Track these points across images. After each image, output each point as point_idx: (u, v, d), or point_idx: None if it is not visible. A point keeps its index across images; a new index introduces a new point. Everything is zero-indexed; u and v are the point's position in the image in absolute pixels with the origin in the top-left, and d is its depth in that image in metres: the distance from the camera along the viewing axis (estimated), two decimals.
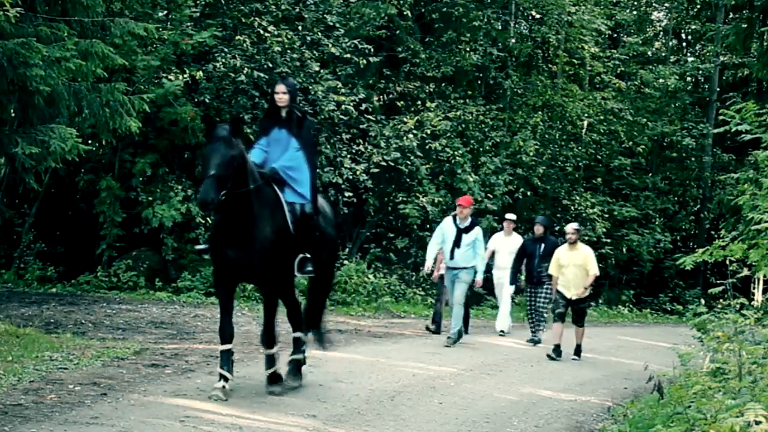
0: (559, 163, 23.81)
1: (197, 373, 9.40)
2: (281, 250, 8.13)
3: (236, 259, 7.94)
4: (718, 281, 18.79)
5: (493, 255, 15.28)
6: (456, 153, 20.81)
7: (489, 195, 21.05)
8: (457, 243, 12.95)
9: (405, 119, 20.71)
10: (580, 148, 24.14)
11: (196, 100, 17.79)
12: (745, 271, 9.90)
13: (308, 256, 8.39)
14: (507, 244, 15.27)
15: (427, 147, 20.73)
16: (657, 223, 25.15)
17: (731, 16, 25.20)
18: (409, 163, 20.27)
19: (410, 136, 20.26)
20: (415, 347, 12.90)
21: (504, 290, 15.18)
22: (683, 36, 29.58)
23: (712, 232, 25.40)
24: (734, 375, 7.15)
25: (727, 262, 10.46)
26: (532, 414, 8.88)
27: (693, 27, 28.26)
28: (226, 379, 8.07)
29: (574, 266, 12.77)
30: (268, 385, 8.44)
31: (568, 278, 12.81)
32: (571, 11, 23.20)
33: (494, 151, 21.96)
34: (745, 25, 18.57)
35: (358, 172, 19.30)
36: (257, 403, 8.09)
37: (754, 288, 23.67)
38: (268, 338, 8.51)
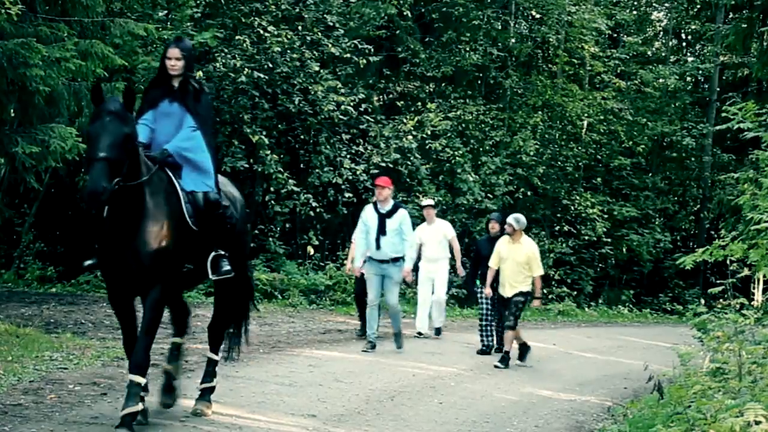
0: (559, 163, 23.80)
1: (197, 373, 9.37)
2: (179, 249, 6.65)
3: (127, 263, 6.44)
4: (718, 281, 18.78)
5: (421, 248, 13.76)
6: (456, 153, 20.81)
7: (489, 195, 21.04)
8: (381, 230, 11.52)
9: (405, 119, 20.72)
10: (580, 148, 24.13)
11: None
12: (745, 271, 9.89)
13: (222, 253, 7.04)
14: (433, 233, 13.83)
15: (427, 147, 20.73)
16: (657, 223, 25.14)
17: (731, 16, 25.18)
18: (409, 163, 20.27)
19: (410, 137, 20.26)
20: (415, 347, 12.89)
21: (437, 288, 13.84)
22: (683, 36, 29.57)
23: (712, 232, 25.38)
24: (734, 375, 7.15)
25: (727, 262, 10.45)
26: (532, 414, 8.88)
27: (693, 27, 28.25)
28: (142, 399, 6.62)
29: (513, 262, 11.56)
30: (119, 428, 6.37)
31: (504, 274, 11.63)
32: (571, 11, 23.21)
33: (494, 151, 21.96)
34: (745, 25, 18.56)
35: (357, 173, 19.29)
36: (257, 403, 8.09)
37: (754, 288, 23.65)
38: (143, 362, 6.55)
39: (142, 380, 6.52)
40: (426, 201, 14.40)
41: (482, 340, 12.70)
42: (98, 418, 7.03)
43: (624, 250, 24.23)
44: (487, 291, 12.14)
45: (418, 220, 20.49)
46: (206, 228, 6.87)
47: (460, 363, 11.64)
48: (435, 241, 13.71)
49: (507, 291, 11.60)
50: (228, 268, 7.03)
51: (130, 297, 6.76)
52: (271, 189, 18.56)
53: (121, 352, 10.13)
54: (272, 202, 18.60)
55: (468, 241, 21.40)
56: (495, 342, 12.65)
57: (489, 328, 12.67)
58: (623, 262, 24.45)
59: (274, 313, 15.69)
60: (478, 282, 12.82)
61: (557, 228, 23.56)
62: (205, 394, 7.50)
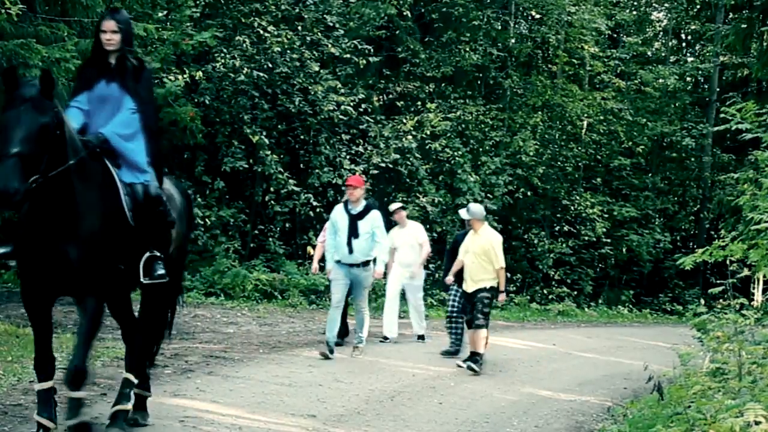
0: (559, 163, 23.81)
1: (197, 373, 9.40)
2: (115, 248, 5.91)
3: (51, 262, 5.67)
4: (718, 281, 18.77)
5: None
6: (456, 153, 20.81)
7: (489, 195, 21.04)
8: (353, 232, 10.86)
9: (405, 120, 20.72)
10: (580, 148, 24.14)
11: (196, 100, 17.80)
12: (745, 271, 9.90)
13: (158, 255, 6.24)
14: (406, 237, 13.23)
15: (427, 147, 20.74)
16: (657, 223, 25.15)
17: (731, 16, 25.19)
18: (408, 164, 20.27)
19: (409, 137, 20.26)
20: (415, 347, 12.90)
21: (412, 294, 13.51)
22: (683, 36, 29.57)
23: (712, 232, 25.39)
24: (734, 375, 7.15)
25: (727, 262, 10.47)
26: (532, 414, 8.88)
27: (693, 27, 28.25)
28: (46, 429, 6.01)
29: (473, 254, 10.92)
30: None
31: (466, 268, 11.03)
32: (571, 11, 23.20)
33: (494, 151, 21.96)
34: (745, 25, 18.56)
35: (357, 173, 19.29)
36: (257, 403, 8.10)
37: (754, 288, 23.65)
38: (79, 373, 6.06)
39: (82, 394, 6.00)
40: (395, 205, 13.74)
41: (451, 341, 12.11)
42: (98, 418, 7.03)
43: (624, 250, 24.24)
44: (448, 279, 11.56)
45: (418, 221, 20.64)
46: (144, 225, 6.10)
47: None
48: (408, 245, 13.14)
49: (469, 286, 10.97)
50: (162, 272, 6.21)
51: (49, 301, 6.07)
52: (271, 189, 18.56)
53: (121, 352, 10.15)
54: (272, 202, 18.60)
55: None
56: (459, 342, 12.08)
57: (458, 327, 12.00)
58: (623, 263, 24.46)
59: (274, 313, 15.69)
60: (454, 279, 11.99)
61: (557, 228, 23.57)
62: (117, 420, 6.53)
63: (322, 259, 11.99)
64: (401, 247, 13.16)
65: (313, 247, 19.35)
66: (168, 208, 6.33)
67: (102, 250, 5.79)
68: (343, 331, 12.22)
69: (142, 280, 6.23)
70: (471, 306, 10.96)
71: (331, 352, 10.77)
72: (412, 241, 13.12)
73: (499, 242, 11.02)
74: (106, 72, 6.22)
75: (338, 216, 11.06)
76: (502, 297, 11.31)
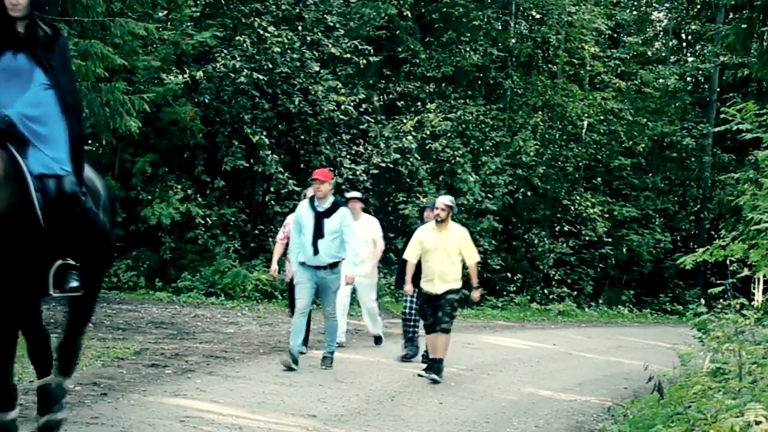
0: (559, 163, 23.81)
1: (197, 373, 9.40)
2: (21, 252, 5.00)
3: None
4: (718, 281, 18.78)
5: None
6: (456, 153, 20.81)
7: (489, 195, 21.04)
8: (318, 232, 9.84)
9: (405, 120, 20.72)
10: (580, 148, 24.14)
11: (196, 100, 17.81)
12: (746, 271, 9.91)
13: (72, 263, 5.26)
14: (358, 231, 11.32)
15: (428, 147, 20.74)
16: (657, 223, 25.14)
17: (731, 16, 25.18)
18: (408, 164, 20.27)
19: (409, 137, 20.26)
20: None
21: (365, 295, 12.20)
22: (683, 36, 29.56)
23: (712, 232, 25.37)
24: (734, 375, 7.15)
25: (727, 262, 10.47)
26: (532, 414, 8.88)
27: (693, 27, 28.24)
28: None
29: (443, 252, 10.00)
30: None
31: (432, 267, 9.98)
32: (571, 11, 23.20)
33: (494, 152, 21.96)
34: (745, 25, 18.55)
35: (357, 173, 19.30)
36: (257, 403, 8.10)
37: (754, 288, 23.64)
38: (4, 396, 5.41)
39: (57, 379, 5.46)
40: (352, 193, 12.38)
41: (406, 345, 11.35)
42: (98, 418, 7.03)
43: (624, 250, 24.23)
44: (408, 288, 10.38)
45: (417, 221, 20.62)
46: (54, 226, 5.12)
47: (460, 363, 11.63)
48: (360, 240, 11.46)
49: (437, 287, 9.95)
50: (76, 284, 5.25)
51: None
52: (271, 189, 18.56)
53: (122, 352, 10.18)
54: (272, 202, 18.61)
55: None
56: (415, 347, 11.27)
57: (415, 330, 11.26)
58: (623, 263, 24.46)
59: (274, 313, 15.70)
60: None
61: (557, 228, 23.56)
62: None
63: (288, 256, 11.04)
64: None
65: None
66: (89, 206, 5.34)
67: (4, 256, 4.89)
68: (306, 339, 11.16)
69: (51, 292, 5.25)
70: (433, 309, 9.98)
71: (295, 362, 9.83)
72: (365, 236, 11.73)
73: (469, 236, 10.32)
74: (13, 42, 5.24)
75: (303, 213, 10.02)
76: (476, 294, 10.44)
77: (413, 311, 11.09)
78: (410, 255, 10.20)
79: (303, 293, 9.98)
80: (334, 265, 9.98)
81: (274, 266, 11.72)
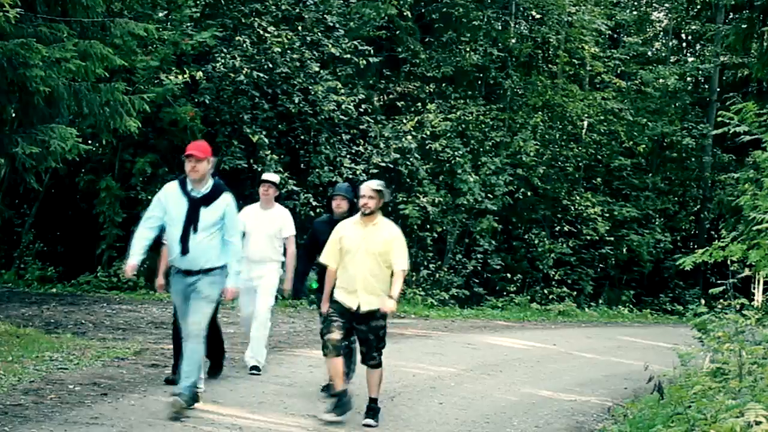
0: (559, 163, 23.81)
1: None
2: None
3: None
4: (718, 281, 18.78)
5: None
6: (456, 153, 20.81)
7: (489, 195, 21.04)
8: (191, 224, 7.42)
9: (405, 120, 20.71)
10: (580, 148, 24.14)
11: (196, 100, 17.81)
12: (746, 272, 9.91)
13: None
14: (264, 222, 9.47)
15: (428, 147, 20.73)
16: (657, 223, 25.14)
17: (731, 16, 25.19)
18: (408, 164, 20.27)
19: (409, 137, 20.26)
20: (415, 347, 12.90)
21: (260, 301, 9.53)
22: (683, 36, 29.57)
23: (712, 232, 25.39)
24: (734, 375, 7.15)
25: (728, 262, 10.47)
26: (532, 414, 8.89)
27: (693, 27, 28.24)
28: None
29: (366, 254, 7.57)
30: None
31: (353, 276, 7.58)
32: (571, 11, 23.20)
33: (494, 152, 21.96)
34: (745, 25, 18.55)
35: (357, 173, 19.30)
36: (257, 403, 8.10)
37: (754, 288, 23.66)
38: None
39: None
40: (268, 175, 9.84)
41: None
42: (98, 419, 7.03)
43: (624, 250, 24.23)
44: (324, 308, 7.78)
45: (418, 221, 20.71)
46: None
47: (460, 363, 11.64)
48: (265, 233, 9.42)
49: (361, 300, 7.56)
50: None
51: None
52: None
53: (122, 352, 10.18)
54: None
55: (468, 241, 21.43)
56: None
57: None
58: (623, 263, 24.45)
59: (274, 314, 15.63)
60: (313, 283, 8.79)
61: (557, 228, 23.56)
62: None
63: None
64: (254, 234, 9.39)
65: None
66: None
67: None
68: (216, 362, 9.01)
69: None
70: (358, 330, 7.69)
71: (194, 401, 7.51)
72: (271, 229, 9.47)
73: (402, 236, 7.81)
74: None
75: (171, 199, 7.52)
76: (390, 305, 7.51)
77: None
78: (330, 258, 7.73)
79: (178, 305, 7.73)
80: (209, 271, 7.52)
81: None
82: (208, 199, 7.51)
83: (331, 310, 7.66)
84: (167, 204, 7.51)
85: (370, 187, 7.66)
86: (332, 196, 8.73)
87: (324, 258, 7.79)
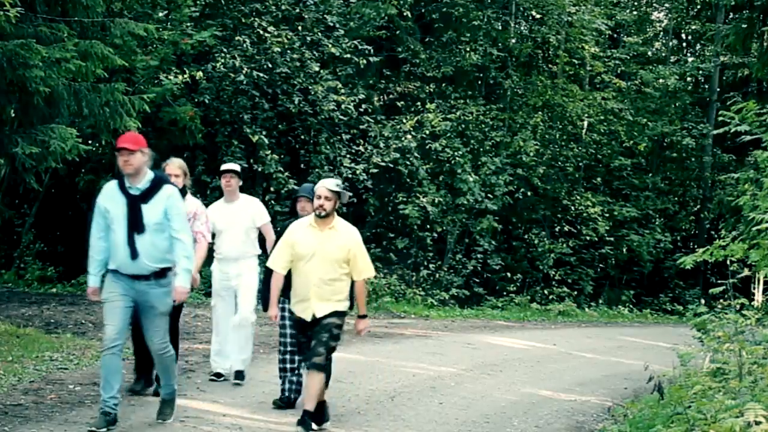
0: (560, 163, 23.81)
1: (197, 373, 9.41)
2: None
3: None
4: (718, 281, 18.78)
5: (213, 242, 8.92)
6: (456, 153, 20.81)
7: (489, 195, 21.04)
8: (135, 225, 6.76)
9: (405, 120, 20.71)
10: (580, 148, 24.14)
11: (195, 100, 17.81)
12: (746, 271, 9.91)
13: None
14: (234, 217, 8.86)
15: (428, 147, 20.73)
16: (657, 223, 25.13)
17: (731, 16, 25.17)
18: (408, 164, 20.27)
19: (409, 137, 20.26)
20: (415, 347, 12.90)
21: (241, 302, 8.99)
22: (683, 36, 29.56)
23: (712, 232, 25.37)
24: (734, 375, 7.15)
25: (728, 262, 10.46)
26: (532, 414, 8.88)
27: (693, 27, 28.23)
28: None
29: (322, 260, 7.03)
30: None
31: (306, 283, 7.07)
32: (571, 11, 23.19)
33: (494, 151, 21.96)
34: (745, 25, 18.54)
35: (357, 172, 19.30)
36: (257, 403, 8.10)
37: (754, 288, 23.65)
38: None
39: None
40: (227, 165, 9.11)
41: (282, 386, 8.05)
42: (95, 419, 7.02)
43: (624, 250, 24.22)
44: (272, 312, 7.32)
45: (418, 221, 20.69)
46: None
47: (460, 363, 11.64)
48: (240, 227, 8.86)
49: (315, 308, 7.04)
50: None
51: None
52: (271, 189, 18.56)
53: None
54: (272, 202, 18.60)
55: (468, 241, 21.43)
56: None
57: (293, 368, 7.98)
58: (623, 263, 24.45)
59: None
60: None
61: (557, 228, 23.56)
62: None
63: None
64: (226, 232, 8.88)
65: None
66: None
67: None
68: (148, 378, 8.20)
69: None
70: (307, 339, 7.13)
71: (110, 422, 6.75)
72: (245, 221, 8.89)
73: (361, 240, 7.24)
74: None
75: (110, 199, 6.89)
76: (363, 325, 7.35)
77: (290, 343, 7.91)
78: (277, 263, 7.19)
79: (115, 316, 6.79)
80: (161, 274, 6.85)
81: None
82: (148, 194, 6.80)
83: (289, 323, 7.53)
84: (106, 205, 6.87)
85: (326, 186, 7.03)
86: (296, 198, 8.06)
87: (272, 262, 7.26)
